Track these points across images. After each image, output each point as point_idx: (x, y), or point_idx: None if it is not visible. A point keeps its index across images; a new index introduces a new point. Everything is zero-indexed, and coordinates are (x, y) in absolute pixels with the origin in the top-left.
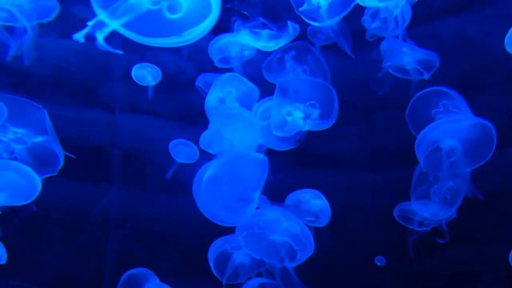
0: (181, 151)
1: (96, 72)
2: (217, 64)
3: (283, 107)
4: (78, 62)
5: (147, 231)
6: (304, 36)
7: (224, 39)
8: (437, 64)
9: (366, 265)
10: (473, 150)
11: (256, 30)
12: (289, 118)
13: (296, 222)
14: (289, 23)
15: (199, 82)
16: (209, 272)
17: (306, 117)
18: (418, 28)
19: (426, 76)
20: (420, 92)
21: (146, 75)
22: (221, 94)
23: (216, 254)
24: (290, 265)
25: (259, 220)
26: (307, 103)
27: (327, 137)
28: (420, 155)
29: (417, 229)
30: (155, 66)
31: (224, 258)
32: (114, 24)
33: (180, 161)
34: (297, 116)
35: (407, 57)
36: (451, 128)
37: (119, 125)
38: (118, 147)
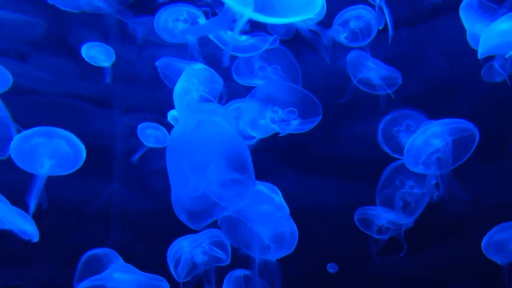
0: (150, 134)
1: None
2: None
3: (258, 110)
4: None
5: (147, 225)
6: (264, 28)
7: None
8: (399, 81)
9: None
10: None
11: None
12: (262, 122)
13: (287, 220)
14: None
15: (160, 64)
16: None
17: (285, 122)
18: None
19: (391, 92)
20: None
21: (96, 54)
22: (187, 85)
23: (174, 251)
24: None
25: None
26: (287, 109)
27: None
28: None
29: (375, 236)
30: (106, 45)
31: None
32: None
33: (149, 145)
34: (270, 120)
35: (372, 72)
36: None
37: (120, 121)
38: (119, 143)
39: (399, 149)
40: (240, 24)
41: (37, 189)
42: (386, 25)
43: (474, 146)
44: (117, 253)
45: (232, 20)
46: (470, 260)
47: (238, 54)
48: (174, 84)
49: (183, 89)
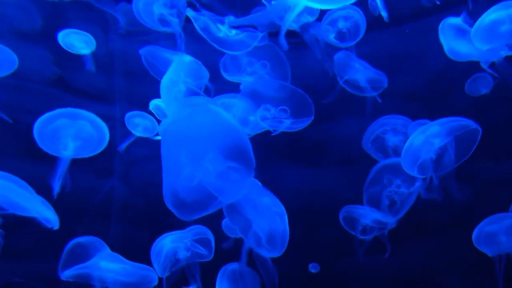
0: (138, 123)
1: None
2: None
3: (249, 106)
4: None
5: (148, 219)
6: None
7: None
8: (385, 85)
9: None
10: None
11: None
12: (252, 118)
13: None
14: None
15: (145, 52)
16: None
17: (277, 120)
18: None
19: (376, 96)
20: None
21: (73, 42)
22: (174, 77)
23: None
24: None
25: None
26: (279, 107)
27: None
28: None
29: (359, 236)
30: (85, 32)
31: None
32: None
33: (138, 134)
34: (262, 117)
35: (358, 73)
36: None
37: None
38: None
39: (384, 152)
40: (294, 13)
41: (60, 172)
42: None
43: (476, 144)
44: (103, 242)
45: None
46: (456, 258)
47: (227, 51)
48: (158, 73)
49: (170, 80)
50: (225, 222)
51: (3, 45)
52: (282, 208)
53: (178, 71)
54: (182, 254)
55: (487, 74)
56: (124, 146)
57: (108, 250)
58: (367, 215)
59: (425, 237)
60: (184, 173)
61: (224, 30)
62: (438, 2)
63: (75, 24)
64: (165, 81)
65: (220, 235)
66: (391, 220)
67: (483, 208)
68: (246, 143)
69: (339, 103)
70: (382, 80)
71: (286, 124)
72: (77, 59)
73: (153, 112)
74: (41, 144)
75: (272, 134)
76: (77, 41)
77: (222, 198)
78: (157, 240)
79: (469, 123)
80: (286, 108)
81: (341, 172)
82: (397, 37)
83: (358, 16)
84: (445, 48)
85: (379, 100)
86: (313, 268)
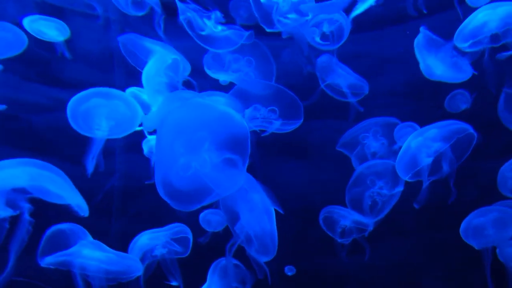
0: None
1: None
2: None
3: (237, 105)
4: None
5: (149, 216)
6: (225, 11)
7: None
8: (366, 91)
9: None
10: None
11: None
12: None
13: (269, 220)
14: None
15: (125, 39)
16: (208, 254)
17: (266, 121)
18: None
19: (355, 102)
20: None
21: (43, 29)
22: (156, 68)
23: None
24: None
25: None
26: (268, 108)
27: None
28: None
29: (338, 240)
30: (54, 19)
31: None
32: None
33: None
34: (251, 117)
35: (340, 78)
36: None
37: None
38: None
39: (364, 157)
40: None
41: (94, 152)
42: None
43: (471, 147)
44: (85, 230)
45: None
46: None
47: (211, 48)
48: (138, 61)
49: (152, 71)
50: (203, 216)
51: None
52: (271, 208)
53: (159, 62)
54: (159, 251)
55: (464, 90)
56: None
57: (90, 238)
58: (347, 216)
59: (405, 236)
60: (180, 163)
61: (210, 25)
62: (425, 12)
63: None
64: (147, 71)
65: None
66: (370, 222)
67: (459, 207)
68: (245, 135)
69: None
70: (363, 87)
71: (276, 126)
72: None
73: None
74: (74, 124)
75: (262, 135)
76: (47, 28)
77: (217, 188)
78: (135, 239)
79: (467, 128)
80: (275, 108)
81: (333, 171)
82: (381, 39)
83: (343, 20)
84: (421, 66)
85: (361, 109)
86: (289, 271)
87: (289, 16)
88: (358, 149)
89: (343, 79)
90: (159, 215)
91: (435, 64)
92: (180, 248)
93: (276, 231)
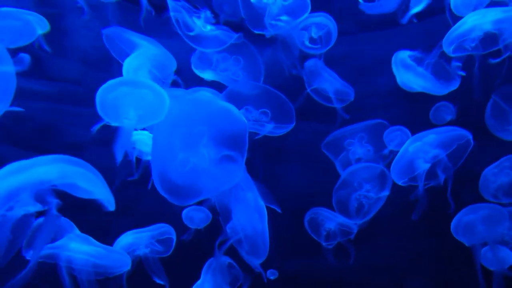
0: None
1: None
2: None
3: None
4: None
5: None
6: (209, 5)
7: None
8: (351, 98)
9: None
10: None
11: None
12: None
13: (262, 225)
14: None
15: (110, 32)
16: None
17: (259, 124)
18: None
19: (339, 108)
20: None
21: None
22: (139, 63)
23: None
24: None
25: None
26: (260, 110)
27: None
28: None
29: (323, 243)
30: (32, 12)
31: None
32: None
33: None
34: None
35: (327, 83)
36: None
37: None
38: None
39: (348, 163)
40: None
41: (123, 141)
42: None
43: (467, 154)
44: (72, 223)
45: None
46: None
47: (199, 47)
48: (123, 55)
49: (135, 66)
50: (185, 213)
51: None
52: (263, 208)
53: (144, 57)
54: (141, 251)
55: (448, 102)
56: (96, 127)
57: (77, 231)
58: (332, 219)
59: (387, 236)
60: (178, 158)
61: (200, 25)
62: (415, 20)
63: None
64: (129, 65)
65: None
66: (355, 226)
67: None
68: (243, 131)
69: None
70: (349, 93)
71: (268, 129)
72: None
73: None
74: (102, 113)
75: (254, 138)
76: None
77: (215, 183)
78: (119, 239)
79: (466, 134)
80: (267, 110)
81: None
82: (367, 41)
83: (331, 24)
84: (398, 80)
85: (346, 117)
86: (271, 274)
87: (282, 18)
88: (343, 155)
89: (329, 84)
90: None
91: (415, 80)
92: (162, 248)
93: (267, 232)
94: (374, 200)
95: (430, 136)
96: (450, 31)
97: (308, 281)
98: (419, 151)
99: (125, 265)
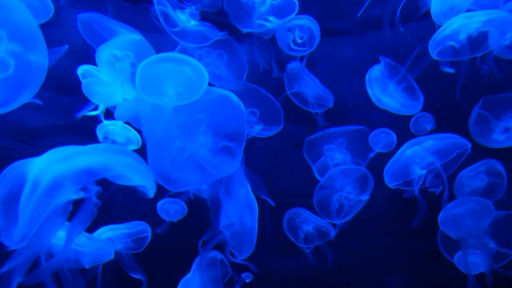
0: (98, 91)
1: None
2: None
3: None
4: None
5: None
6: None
7: None
8: (330, 105)
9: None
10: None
11: None
12: None
13: (252, 221)
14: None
15: (86, 17)
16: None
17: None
18: None
19: (318, 113)
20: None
21: None
22: (119, 54)
23: None
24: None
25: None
26: (248, 109)
27: None
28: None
29: (300, 245)
30: None
31: None
32: None
33: (97, 102)
34: None
35: (308, 88)
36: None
37: None
38: None
39: (326, 168)
40: None
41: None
42: None
43: (461, 161)
44: None
45: None
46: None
47: (183, 42)
48: (100, 42)
49: (113, 55)
50: (161, 205)
51: None
52: (255, 205)
53: (124, 46)
54: (115, 247)
55: (426, 113)
56: (81, 114)
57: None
58: (311, 221)
59: (367, 236)
60: (175, 145)
61: (184, 19)
62: (401, 29)
63: None
64: (106, 53)
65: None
66: (332, 229)
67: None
68: (241, 117)
69: None
70: (329, 100)
71: (257, 130)
72: None
73: (79, 76)
74: (142, 90)
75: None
76: None
77: (212, 172)
78: (96, 232)
79: (466, 143)
80: (255, 110)
81: None
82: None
83: (314, 27)
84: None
85: (324, 123)
86: (246, 277)
87: (270, 18)
88: (321, 160)
89: (310, 88)
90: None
91: (385, 99)
92: (135, 245)
93: (256, 228)
94: (354, 202)
95: (428, 142)
96: (436, 33)
97: (285, 280)
98: (416, 155)
99: (109, 254)
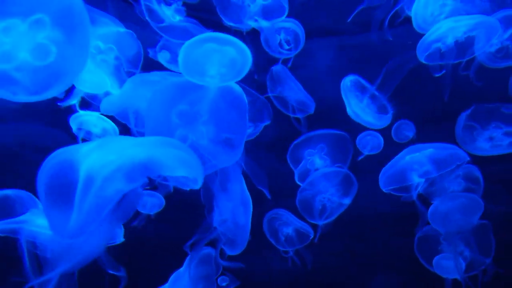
0: (86, 79)
1: None
2: None
3: None
4: None
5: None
6: None
7: None
8: (311, 111)
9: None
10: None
11: None
12: None
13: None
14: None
15: None
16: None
17: None
18: None
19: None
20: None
21: None
22: (102, 46)
23: None
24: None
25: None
26: None
27: None
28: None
29: (280, 248)
30: None
31: None
32: None
33: (85, 90)
34: None
35: (291, 92)
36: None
37: None
38: None
39: (307, 173)
40: None
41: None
42: None
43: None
44: (34, 197)
45: None
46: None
47: (167, 37)
48: None
49: (96, 46)
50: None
51: None
52: (249, 203)
53: (107, 38)
54: None
55: (406, 120)
56: (65, 104)
57: (41, 206)
58: (290, 223)
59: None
60: (176, 135)
61: (169, 14)
62: (390, 39)
63: None
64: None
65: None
66: (312, 232)
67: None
68: (243, 107)
69: None
70: (310, 106)
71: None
72: None
73: None
74: (185, 71)
75: None
76: None
77: (212, 162)
78: None
79: (464, 156)
80: None
81: None
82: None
83: (299, 31)
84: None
85: (304, 129)
86: (222, 281)
87: (258, 18)
88: (302, 164)
89: (293, 93)
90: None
91: (359, 112)
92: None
93: (249, 226)
94: (336, 204)
95: (429, 150)
96: (424, 36)
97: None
98: (415, 162)
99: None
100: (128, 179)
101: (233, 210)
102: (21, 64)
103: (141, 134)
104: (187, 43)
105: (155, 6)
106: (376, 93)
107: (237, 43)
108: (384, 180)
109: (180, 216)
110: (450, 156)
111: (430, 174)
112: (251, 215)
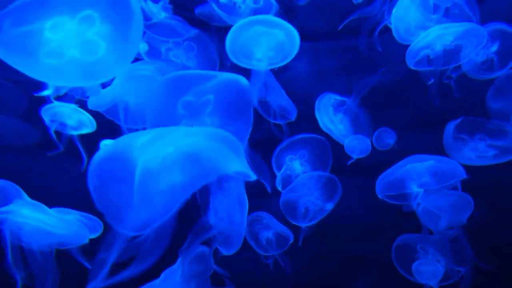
0: None
1: None
2: None
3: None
4: None
5: None
6: None
7: None
8: (292, 118)
9: None
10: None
11: None
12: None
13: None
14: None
15: None
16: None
17: None
18: None
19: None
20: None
21: None
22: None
23: None
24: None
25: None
26: None
27: None
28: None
29: (262, 253)
30: None
31: None
32: None
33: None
34: None
35: (273, 97)
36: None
37: None
38: None
39: (288, 179)
40: None
41: (257, 84)
42: None
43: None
44: (19, 188)
45: None
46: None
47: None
48: None
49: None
50: None
51: None
52: (245, 202)
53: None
54: None
55: (387, 128)
56: (41, 93)
57: (26, 197)
58: (271, 227)
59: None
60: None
61: (155, 11)
62: (380, 49)
63: None
64: None
65: None
66: (292, 236)
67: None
68: (248, 99)
69: None
70: (292, 113)
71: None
72: None
73: None
74: (231, 55)
75: None
76: None
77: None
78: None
79: (462, 173)
80: None
81: None
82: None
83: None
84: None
85: (284, 135)
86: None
87: None
88: (283, 170)
89: (277, 98)
90: None
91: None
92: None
93: (245, 225)
94: (320, 207)
95: (429, 162)
96: (413, 43)
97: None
98: (415, 172)
99: (83, 238)
100: (186, 173)
101: (229, 209)
102: (69, 60)
103: (131, 130)
104: (235, 26)
105: (142, 3)
106: (349, 111)
107: (287, 26)
108: (382, 186)
109: (175, 214)
110: (450, 171)
111: (428, 185)
112: (246, 215)
